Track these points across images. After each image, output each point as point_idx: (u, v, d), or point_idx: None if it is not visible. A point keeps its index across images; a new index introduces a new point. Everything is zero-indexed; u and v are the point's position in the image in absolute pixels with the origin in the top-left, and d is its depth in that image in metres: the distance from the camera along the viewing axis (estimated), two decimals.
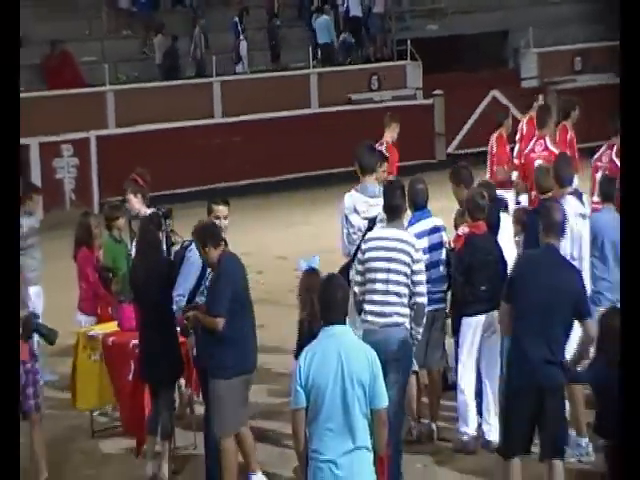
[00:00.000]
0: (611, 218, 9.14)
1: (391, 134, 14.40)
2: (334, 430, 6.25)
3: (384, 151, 13.27)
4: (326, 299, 6.47)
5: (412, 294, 8.35)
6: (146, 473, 8.94)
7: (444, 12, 26.32)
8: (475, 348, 9.01)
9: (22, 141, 19.66)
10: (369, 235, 8.77)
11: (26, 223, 11.19)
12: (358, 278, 8.59)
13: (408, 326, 8.33)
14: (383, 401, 6.28)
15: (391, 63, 25.10)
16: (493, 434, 8.82)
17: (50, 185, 19.06)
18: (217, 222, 8.93)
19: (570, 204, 8.99)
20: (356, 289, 8.53)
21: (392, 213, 8.54)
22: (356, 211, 9.41)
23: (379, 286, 8.30)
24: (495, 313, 8.58)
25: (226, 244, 8.59)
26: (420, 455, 9.07)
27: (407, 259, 8.36)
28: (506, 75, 25.19)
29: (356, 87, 24.14)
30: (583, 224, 9.09)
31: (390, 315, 8.26)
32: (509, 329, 7.86)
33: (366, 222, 9.34)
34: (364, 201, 9.44)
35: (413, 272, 8.37)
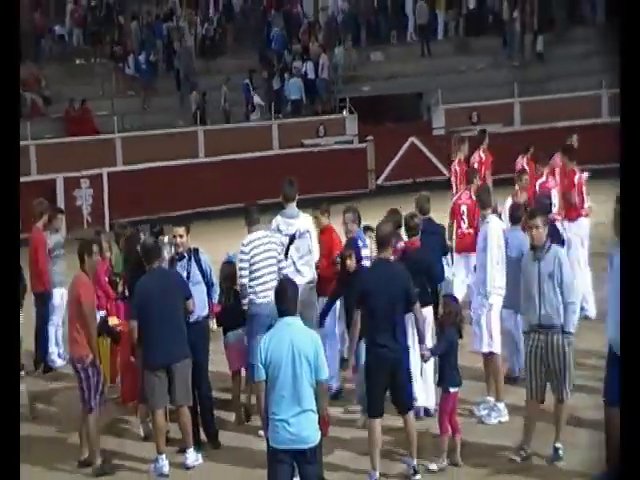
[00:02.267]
0: (517, 236, 9.24)
1: (463, 152, 14.01)
2: (286, 396, 6.30)
3: (455, 166, 13.65)
4: (281, 296, 6.51)
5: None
6: (141, 433, 9.00)
7: (375, 77, 26.60)
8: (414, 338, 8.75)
9: (50, 176, 20.18)
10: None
11: (53, 238, 11.19)
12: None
13: None
14: (324, 374, 6.38)
15: (334, 116, 25.29)
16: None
17: (72, 210, 19.16)
18: (176, 239, 8.82)
19: (494, 221, 9.21)
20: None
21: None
22: (279, 230, 9.46)
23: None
24: (426, 308, 8.64)
25: (183, 256, 8.63)
26: None
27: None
28: (421, 126, 25.30)
29: (307, 134, 24.39)
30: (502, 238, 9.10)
31: None
32: (359, 329, 7.94)
33: (287, 238, 9.42)
34: (285, 222, 9.52)
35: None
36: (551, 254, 7.97)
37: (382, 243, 8.03)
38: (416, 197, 10.39)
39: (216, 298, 9.14)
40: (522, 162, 13.96)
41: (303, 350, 6.30)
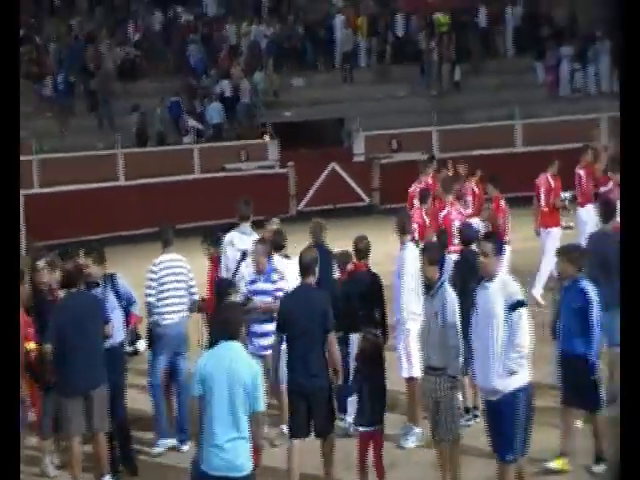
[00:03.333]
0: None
1: (552, 169, 14.05)
2: (221, 421, 6.14)
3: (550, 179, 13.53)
4: (222, 322, 6.48)
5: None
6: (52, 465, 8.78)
7: (296, 103, 26.70)
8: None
9: None
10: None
11: None
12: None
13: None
14: (260, 405, 6.22)
15: (256, 141, 25.23)
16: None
17: None
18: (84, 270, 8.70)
19: (409, 248, 9.29)
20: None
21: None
22: (232, 244, 9.84)
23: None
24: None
25: (94, 285, 8.52)
26: None
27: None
28: (342, 152, 25.40)
29: (229, 159, 24.29)
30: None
31: None
32: (280, 353, 8.04)
33: (239, 253, 9.76)
34: (239, 237, 10.03)
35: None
36: (440, 293, 7.73)
37: (304, 269, 8.08)
38: (310, 225, 10.59)
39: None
40: (471, 186, 14.20)
41: (241, 378, 6.17)
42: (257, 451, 6.62)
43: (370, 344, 8.06)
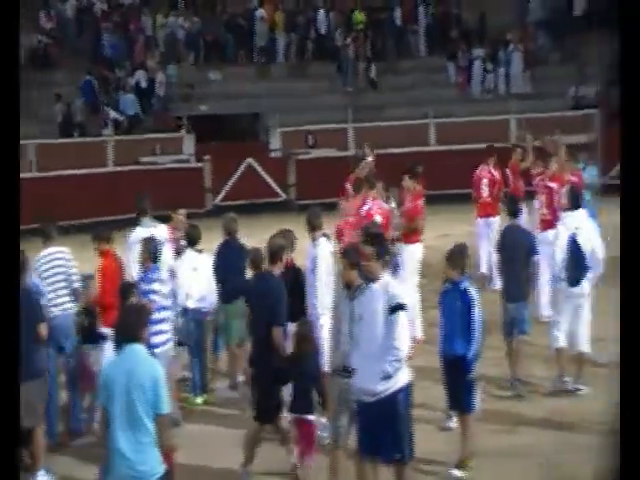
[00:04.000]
0: None
1: (492, 162, 14.76)
2: (122, 427, 6.00)
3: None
4: (123, 325, 6.41)
5: None
6: None
7: (213, 97, 26.52)
8: None
9: None
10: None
11: None
12: None
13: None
14: (163, 408, 6.04)
15: (171, 134, 25.01)
16: None
17: None
18: None
19: (322, 244, 9.38)
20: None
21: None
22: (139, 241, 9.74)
23: None
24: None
25: None
26: None
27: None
28: (258, 147, 25.37)
29: (143, 152, 24.03)
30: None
31: None
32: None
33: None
34: (145, 231, 10.18)
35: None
36: (367, 294, 7.33)
37: (271, 256, 8.28)
38: (223, 218, 10.72)
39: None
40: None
41: (139, 381, 6.01)
42: (169, 454, 6.51)
43: (303, 333, 8.04)
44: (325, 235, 9.70)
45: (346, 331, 7.36)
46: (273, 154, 25.19)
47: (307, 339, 8.00)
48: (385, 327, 6.94)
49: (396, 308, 6.97)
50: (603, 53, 26.86)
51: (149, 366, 6.15)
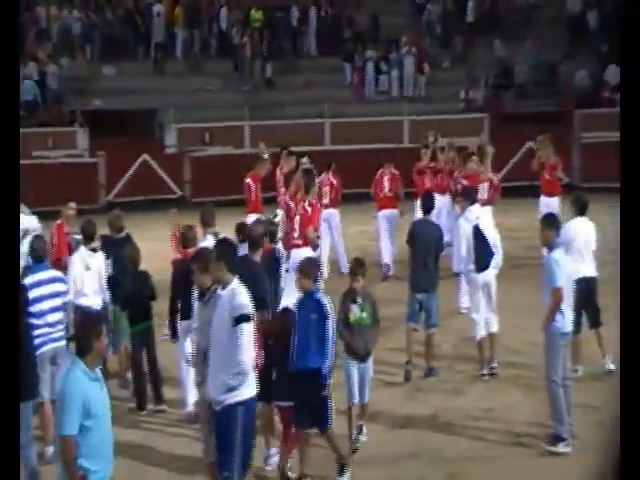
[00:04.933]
0: None
1: (545, 152, 15.86)
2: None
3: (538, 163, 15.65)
4: (76, 333, 6.24)
5: None
6: None
7: (107, 92, 26.08)
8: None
9: None
10: None
11: None
12: None
13: None
14: (62, 429, 5.72)
15: (64, 128, 24.56)
16: None
17: None
18: None
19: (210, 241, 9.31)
20: None
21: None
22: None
23: None
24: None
25: None
26: None
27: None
28: (153, 143, 25.12)
29: (36, 146, 23.42)
30: None
31: None
32: None
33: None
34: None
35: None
36: (214, 300, 7.02)
37: (252, 243, 8.44)
38: (108, 216, 10.77)
39: None
40: (328, 176, 15.82)
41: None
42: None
43: (284, 322, 7.94)
44: (215, 233, 9.65)
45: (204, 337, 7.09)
46: (169, 151, 25.00)
47: (288, 327, 7.86)
48: (229, 338, 6.65)
49: (240, 319, 6.67)
50: (491, 57, 27.66)
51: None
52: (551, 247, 8.70)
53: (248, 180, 14.74)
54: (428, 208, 11.10)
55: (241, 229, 9.94)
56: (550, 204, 15.27)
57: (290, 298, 8.12)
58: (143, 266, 10.12)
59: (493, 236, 10.75)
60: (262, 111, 26.37)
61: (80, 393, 5.70)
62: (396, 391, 10.23)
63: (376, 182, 16.06)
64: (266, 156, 15.19)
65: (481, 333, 10.57)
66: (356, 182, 18.71)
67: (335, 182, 15.90)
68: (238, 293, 6.79)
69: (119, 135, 24.82)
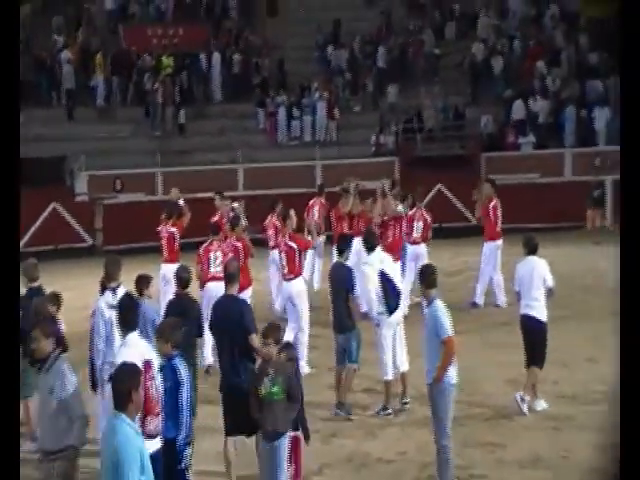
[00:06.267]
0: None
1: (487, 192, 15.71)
2: None
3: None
4: (114, 387, 5.79)
5: None
6: None
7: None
8: None
9: None
10: None
11: None
12: None
13: None
14: None
15: None
16: None
17: None
18: None
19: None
20: None
21: None
22: None
23: None
24: None
25: None
26: None
27: None
28: (64, 191, 24.85)
29: None
30: None
31: None
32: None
33: None
34: None
35: None
36: (55, 367, 6.99)
37: (229, 279, 8.78)
38: (23, 264, 10.24)
39: None
40: (272, 220, 15.54)
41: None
42: None
43: (287, 355, 8.12)
44: (113, 289, 9.28)
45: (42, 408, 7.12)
46: (79, 198, 24.78)
47: (290, 361, 8.09)
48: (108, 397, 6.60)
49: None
50: (401, 102, 28.26)
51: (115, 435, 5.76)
52: (430, 300, 8.60)
53: (172, 229, 14.65)
54: (341, 250, 11.26)
55: (141, 281, 9.80)
56: (497, 246, 15.63)
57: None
58: None
59: (398, 278, 11.05)
60: (174, 157, 26.38)
61: (136, 449, 5.61)
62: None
63: (307, 210, 16.70)
64: (181, 202, 15.20)
65: (389, 374, 10.72)
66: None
67: (280, 224, 14.87)
68: (120, 353, 6.86)
69: (28, 183, 24.39)
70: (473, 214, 24.31)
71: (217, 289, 12.10)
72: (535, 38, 29.12)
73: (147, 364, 6.83)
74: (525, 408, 10.41)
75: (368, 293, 10.92)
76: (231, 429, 8.51)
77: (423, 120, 27.58)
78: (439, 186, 24.16)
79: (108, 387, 7.09)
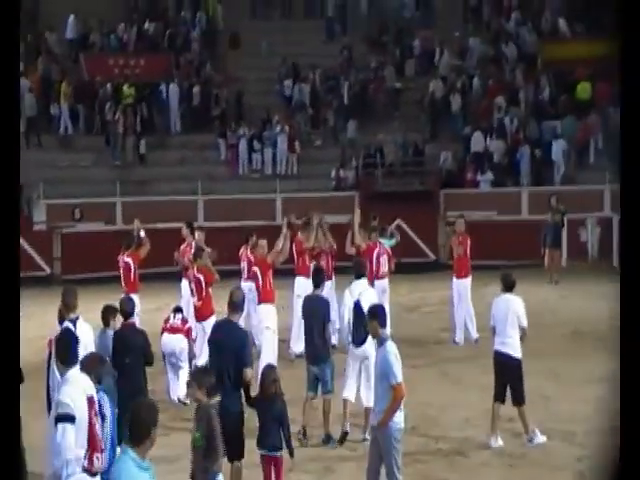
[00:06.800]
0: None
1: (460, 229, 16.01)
2: None
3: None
4: (131, 421, 5.60)
5: None
6: None
7: None
8: None
9: None
10: None
11: None
12: None
13: None
14: None
15: None
16: None
17: None
18: None
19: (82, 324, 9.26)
20: None
21: None
22: None
23: None
24: None
25: None
26: None
27: None
28: (21, 219, 24.60)
29: None
30: None
31: None
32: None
33: None
34: None
35: None
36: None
37: (233, 307, 8.98)
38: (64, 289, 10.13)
39: None
40: (246, 252, 15.64)
41: None
42: None
43: (272, 377, 8.63)
44: (73, 320, 9.19)
45: None
46: (37, 227, 24.68)
47: (275, 382, 8.59)
48: (50, 435, 6.52)
49: (56, 419, 6.52)
50: (362, 139, 28.54)
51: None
52: (381, 340, 8.43)
53: (128, 260, 14.63)
54: (317, 283, 11.35)
55: (108, 311, 9.93)
56: (467, 284, 15.79)
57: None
58: None
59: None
60: (134, 187, 26.33)
61: None
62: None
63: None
64: (142, 234, 15.13)
65: (350, 395, 10.87)
66: (228, 259, 18.83)
67: (253, 257, 15.14)
68: (63, 389, 6.64)
69: None
70: (431, 250, 24.93)
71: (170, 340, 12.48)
72: (495, 77, 29.63)
73: (91, 400, 6.74)
74: (542, 439, 10.61)
75: (342, 320, 11.10)
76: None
77: (384, 155, 27.87)
78: (398, 221, 24.39)
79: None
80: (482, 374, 13.54)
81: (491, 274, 16.73)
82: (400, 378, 8.24)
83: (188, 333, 12.85)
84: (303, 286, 14.93)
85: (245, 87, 30.12)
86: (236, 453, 8.53)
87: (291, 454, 8.65)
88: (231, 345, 8.68)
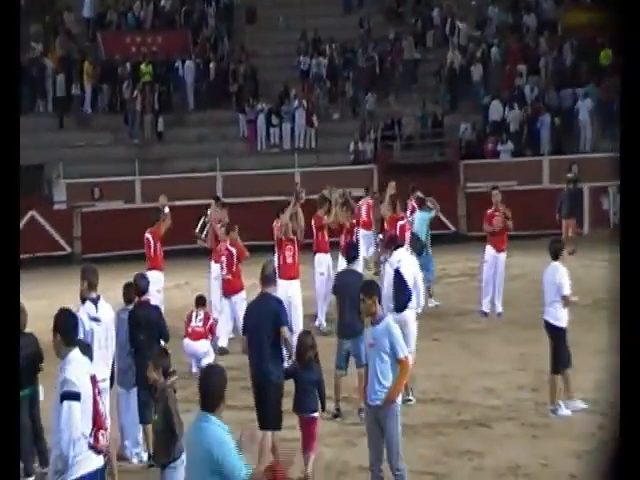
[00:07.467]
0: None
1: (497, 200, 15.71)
2: None
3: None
4: (204, 388, 5.57)
5: None
6: None
7: None
8: None
9: None
10: None
11: None
12: None
13: None
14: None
15: None
16: None
17: None
18: None
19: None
20: None
21: None
22: None
23: None
24: None
25: None
26: None
27: None
28: (41, 199, 24.77)
29: None
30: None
31: None
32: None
33: None
34: None
35: None
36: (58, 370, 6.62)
37: (266, 279, 9.15)
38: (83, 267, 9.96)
39: None
40: (277, 225, 15.33)
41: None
42: None
43: (307, 342, 8.90)
44: (94, 300, 9.01)
45: None
46: (57, 206, 24.69)
47: (312, 347, 8.82)
48: (56, 414, 6.40)
49: (62, 397, 6.36)
50: (380, 110, 28.35)
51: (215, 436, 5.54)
52: (379, 318, 8.03)
53: (148, 236, 14.63)
54: (350, 258, 11.48)
55: (129, 289, 9.88)
56: (504, 259, 15.59)
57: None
58: (29, 328, 9.86)
59: (415, 277, 11.11)
60: (153, 165, 26.31)
61: (232, 448, 5.42)
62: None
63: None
64: (167, 210, 15.12)
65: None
66: (249, 235, 18.78)
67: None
68: (67, 366, 6.47)
69: None
70: (451, 221, 24.76)
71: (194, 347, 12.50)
72: (514, 45, 29.27)
73: (93, 379, 6.70)
74: (566, 412, 10.55)
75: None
76: (259, 424, 8.89)
77: (402, 128, 27.67)
78: (418, 193, 24.19)
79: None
80: (503, 345, 13.49)
81: (513, 244, 16.61)
82: (407, 351, 8.13)
83: (211, 331, 12.75)
84: (324, 263, 14.92)
85: (262, 62, 29.96)
86: (272, 424, 8.78)
87: (323, 409, 9.08)
88: (267, 311, 8.88)
